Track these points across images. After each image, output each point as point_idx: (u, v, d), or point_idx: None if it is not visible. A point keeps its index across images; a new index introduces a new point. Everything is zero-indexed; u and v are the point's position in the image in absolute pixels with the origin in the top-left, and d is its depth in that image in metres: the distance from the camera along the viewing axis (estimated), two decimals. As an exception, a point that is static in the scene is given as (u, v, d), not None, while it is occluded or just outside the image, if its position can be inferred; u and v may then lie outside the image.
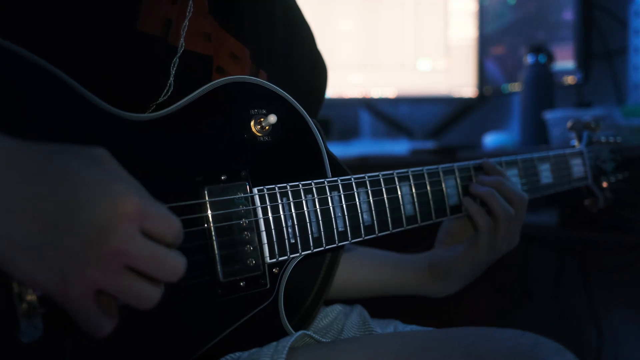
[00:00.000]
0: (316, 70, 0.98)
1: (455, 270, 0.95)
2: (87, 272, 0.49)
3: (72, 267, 0.49)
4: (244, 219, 0.70)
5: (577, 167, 1.10)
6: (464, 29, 2.27)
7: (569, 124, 1.15)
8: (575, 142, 1.15)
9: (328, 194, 0.77)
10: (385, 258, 1.04)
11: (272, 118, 0.72)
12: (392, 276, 1.02)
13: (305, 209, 0.75)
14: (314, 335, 0.74)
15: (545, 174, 1.04)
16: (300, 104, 0.78)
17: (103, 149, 0.54)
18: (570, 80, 1.86)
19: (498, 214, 0.90)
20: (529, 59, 1.77)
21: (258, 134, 0.73)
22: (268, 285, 0.72)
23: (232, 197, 0.70)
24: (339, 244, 0.78)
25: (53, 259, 0.48)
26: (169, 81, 0.72)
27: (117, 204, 0.50)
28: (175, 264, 0.53)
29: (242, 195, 0.70)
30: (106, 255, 0.50)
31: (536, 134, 1.73)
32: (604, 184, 1.13)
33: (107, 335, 0.53)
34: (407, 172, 0.86)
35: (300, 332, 0.73)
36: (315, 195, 0.76)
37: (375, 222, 0.81)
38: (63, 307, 0.51)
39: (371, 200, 0.81)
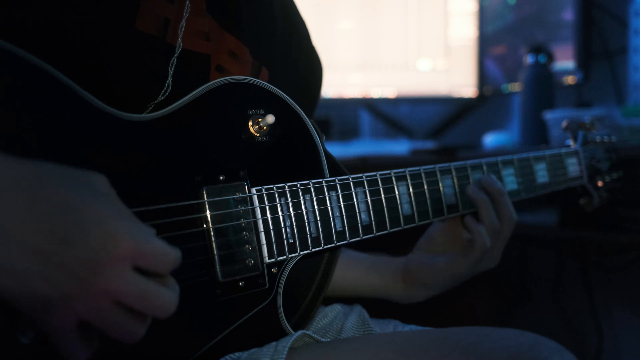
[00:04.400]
0: (313, 67, 0.98)
1: (432, 280, 0.94)
2: (72, 305, 0.49)
3: (57, 299, 0.49)
4: (242, 219, 0.70)
5: (573, 167, 1.10)
6: (464, 29, 2.27)
7: (564, 123, 1.15)
8: (571, 142, 1.16)
9: (326, 193, 0.77)
10: (359, 259, 1.03)
11: (270, 118, 0.72)
12: (363, 276, 1.01)
13: (303, 208, 0.75)
14: (313, 335, 0.74)
15: (541, 173, 1.04)
16: (297, 103, 0.78)
17: (102, 176, 0.53)
18: (570, 80, 1.86)
19: (485, 224, 0.90)
20: (529, 59, 1.77)
21: (256, 134, 0.73)
22: (267, 285, 0.72)
23: (231, 197, 0.70)
24: (337, 244, 0.78)
25: (39, 288, 0.48)
26: (167, 81, 0.72)
27: (110, 244, 0.49)
28: (165, 301, 0.53)
29: (241, 195, 0.70)
30: (94, 292, 0.49)
31: (536, 134, 1.73)
32: (599, 183, 1.13)
33: None
34: (405, 171, 0.86)
35: (300, 332, 0.73)
36: (314, 195, 0.76)
37: (373, 221, 0.81)
38: (43, 330, 0.51)
39: (369, 200, 0.81)
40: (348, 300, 1.00)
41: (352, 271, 1.02)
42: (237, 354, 0.71)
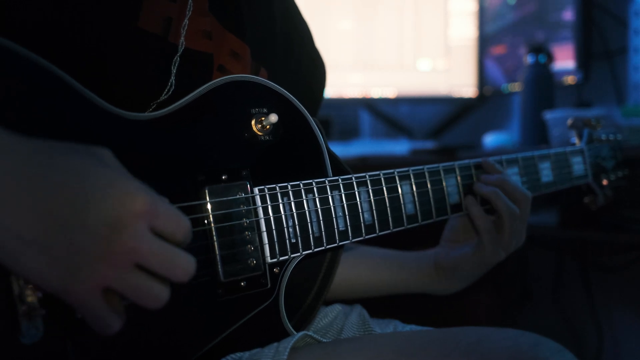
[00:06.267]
0: (315, 69, 0.98)
1: (464, 269, 0.95)
2: (97, 268, 0.49)
3: (81, 263, 0.49)
4: (244, 219, 0.70)
5: (578, 165, 1.09)
6: (464, 29, 2.27)
7: (569, 121, 1.15)
8: (576, 140, 1.15)
9: (329, 193, 0.77)
10: (388, 256, 1.04)
11: (273, 117, 0.72)
12: (396, 274, 1.01)
13: (306, 208, 0.75)
14: (314, 335, 0.74)
15: (546, 172, 1.04)
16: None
17: (107, 150, 0.54)
18: (570, 80, 1.86)
19: (503, 213, 0.90)
20: (529, 59, 1.77)
21: (259, 133, 0.73)
22: (269, 285, 0.72)
23: (233, 197, 0.70)
24: (340, 243, 0.78)
25: (61, 256, 0.48)
26: (170, 80, 0.72)
27: (128, 201, 0.50)
28: (185, 263, 0.53)
29: (243, 195, 0.70)
30: (117, 252, 0.50)
31: (536, 134, 1.73)
32: (604, 182, 1.13)
33: (114, 334, 0.53)
34: (408, 170, 0.86)
35: (302, 333, 0.73)
36: (316, 195, 0.76)
37: (376, 221, 0.81)
38: (71, 304, 0.51)
39: (372, 200, 0.81)
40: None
41: (385, 271, 1.02)
42: (238, 354, 0.71)
